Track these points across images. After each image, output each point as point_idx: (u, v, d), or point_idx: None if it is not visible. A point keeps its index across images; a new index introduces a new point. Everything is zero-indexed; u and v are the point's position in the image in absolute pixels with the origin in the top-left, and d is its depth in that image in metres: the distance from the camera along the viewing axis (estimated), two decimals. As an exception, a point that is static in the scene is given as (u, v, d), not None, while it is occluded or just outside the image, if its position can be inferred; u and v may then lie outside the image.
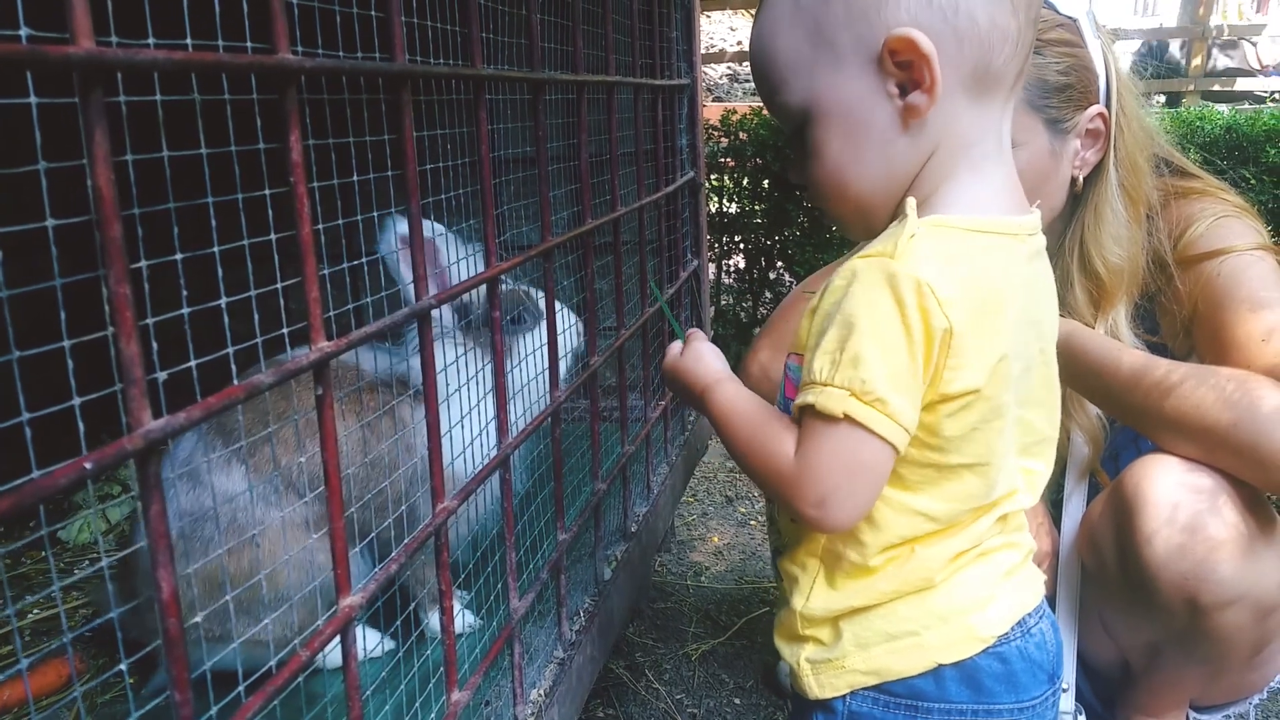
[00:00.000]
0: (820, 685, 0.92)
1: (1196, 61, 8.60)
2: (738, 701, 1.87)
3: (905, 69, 0.82)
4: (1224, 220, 1.37)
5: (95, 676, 1.34)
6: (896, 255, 0.79)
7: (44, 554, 1.88)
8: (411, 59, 0.89)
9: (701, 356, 1.00)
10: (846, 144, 0.87)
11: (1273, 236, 1.39)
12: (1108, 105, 1.36)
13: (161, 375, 0.61)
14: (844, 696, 0.91)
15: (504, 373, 1.11)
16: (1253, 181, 2.85)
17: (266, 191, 0.69)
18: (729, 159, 3.58)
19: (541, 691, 1.26)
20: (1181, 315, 1.37)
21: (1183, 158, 1.48)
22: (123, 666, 0.59)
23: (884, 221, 0.88)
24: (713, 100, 9.26)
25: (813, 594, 0.92)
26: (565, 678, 1.30)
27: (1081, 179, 1.39)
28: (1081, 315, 1.39)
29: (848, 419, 0.78)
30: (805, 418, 0.82)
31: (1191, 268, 1.36)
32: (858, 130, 0.86)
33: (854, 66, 0.84)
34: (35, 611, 1.65)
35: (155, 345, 0.60)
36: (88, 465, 0.51)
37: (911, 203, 0.83)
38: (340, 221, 0.82)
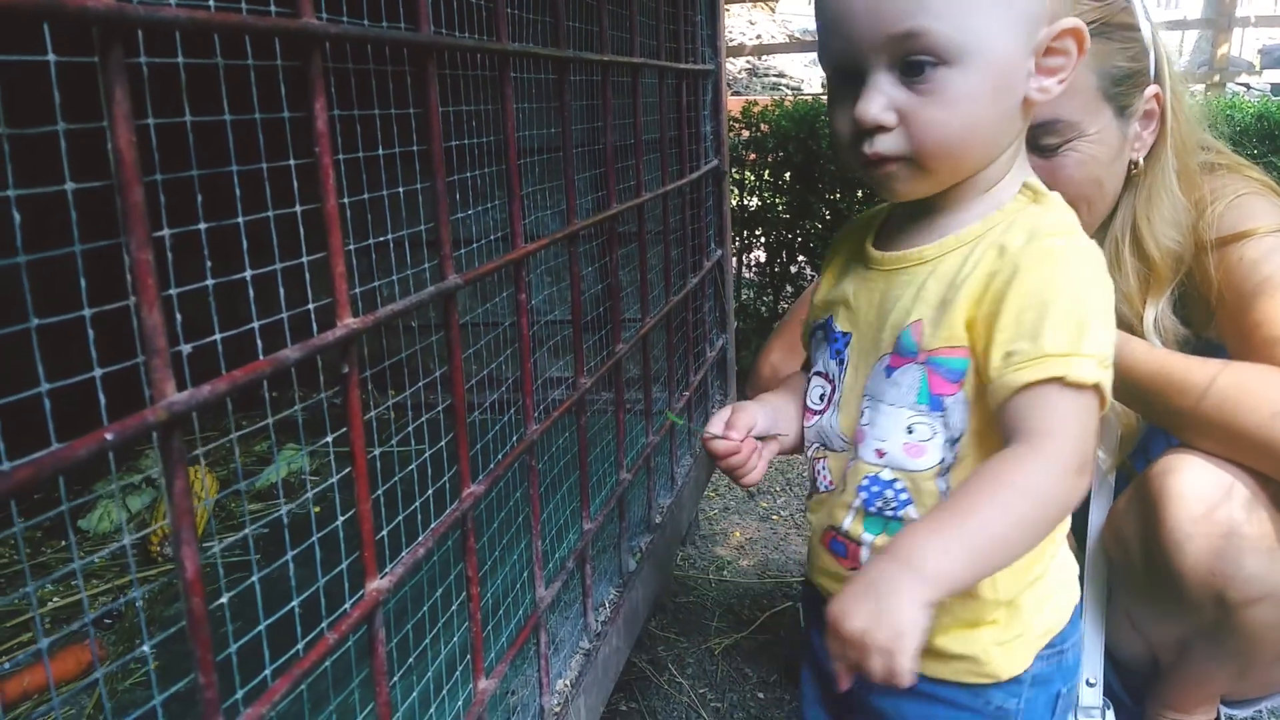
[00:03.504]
0: (1012, 662, 0.91)
1: (1222, 51, 8.49)
2: (761, 696, 1.85)
3: (1051, 55, 0.83)
4: (1244, 199, 1.30)
5: (115, 660, 1.32)
6: (1076, 231, 0.84)
7: (63, 542, 1.88)
8: (437, 31, 0.87)
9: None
10: (985, 103, 0.82)
11: None
12: (1158, 83, 1.31)
13: (186, 348, 0.59)
14: (1029, 667, 0.92)
15: (528, 335, 1.09)
16: (1285, 170, 2.79)
17: (291, 161, 0.67)
18: (750, 152, 3.54)
19: (568, 682, 1.24)
20: (1208, 300, 1.32)
21: (1203, 134, 1.42)
22: (146, 648, 0.57)
23: (963, 189, 0.88)
24: (732, 94, 9.22)
25: (1000, 577, 0.88)
26: (591, 668, 1.28)
27: (1141, 160, 1.33)
28: (1131, 298, 1.34)
29: (1096, 388, 0.78)
30: (1047, 391, 0.77)
31: (1213, 251, 1.31)
32: (999, 93, 0.82)
33: (1021, 31, 0.81)
34: (54, 600, 1.65)
35: (179, 317, 0.58)
36: (108, 436, 0.49)
37: (1037, 183, 0.87)
38: (366, 196, 0.80)
